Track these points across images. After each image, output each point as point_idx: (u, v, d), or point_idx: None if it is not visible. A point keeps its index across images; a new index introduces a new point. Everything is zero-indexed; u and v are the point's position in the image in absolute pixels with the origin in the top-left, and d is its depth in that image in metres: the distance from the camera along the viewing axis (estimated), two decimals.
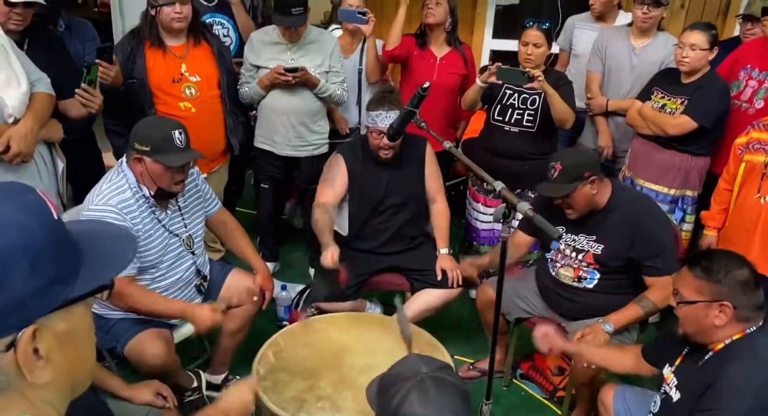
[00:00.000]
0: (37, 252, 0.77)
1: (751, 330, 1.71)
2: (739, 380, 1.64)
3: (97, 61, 2.53)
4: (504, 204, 1.56)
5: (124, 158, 2.24)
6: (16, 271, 0.75)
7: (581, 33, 3.64)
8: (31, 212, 0.79)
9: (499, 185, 1.58)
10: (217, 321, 2.28)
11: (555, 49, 3.55)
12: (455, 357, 2.94)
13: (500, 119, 3.10)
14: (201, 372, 2.55)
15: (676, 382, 1.84)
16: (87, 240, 0.86)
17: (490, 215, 3.26)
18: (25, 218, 0.78)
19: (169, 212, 2.31)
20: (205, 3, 3.36)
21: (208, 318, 2.24)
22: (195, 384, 2.49)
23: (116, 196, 2.15)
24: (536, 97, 3.01)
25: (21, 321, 0.77)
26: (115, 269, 0.87)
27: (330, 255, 2.51)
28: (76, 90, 2.45)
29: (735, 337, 1.72)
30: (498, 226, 3.18)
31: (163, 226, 2.27)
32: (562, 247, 2.49)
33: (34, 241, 0.77)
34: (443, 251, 2.83)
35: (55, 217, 0.83)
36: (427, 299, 2.76)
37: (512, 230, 3.00)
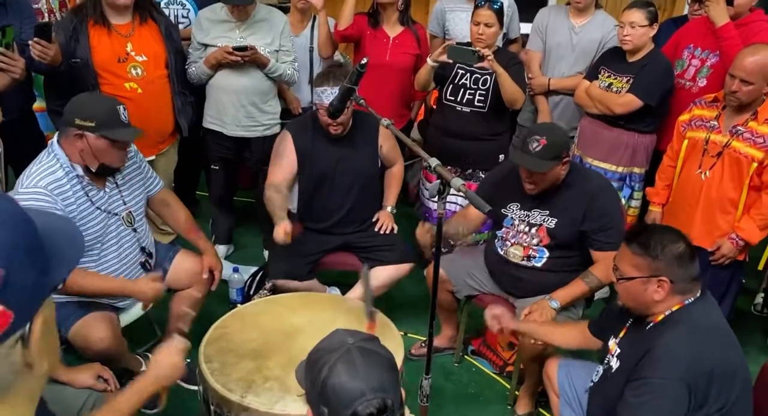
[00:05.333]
0: (29, 244, 0.78)
1: (689, 301, 1.76)
2: (673, 349, 1.68)
3: (35, 39, 2.45)
4: (438, 180, 1.57)
5: (54, 138, 2.18)
6: (22, 264, 0.76)
7: (454, 16, 3.45)
8: (9, 204, 0.80)
9: (434, 162, 1.59)
10: (158, 289, 2.24)
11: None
12: (408, 334, 2.97)
13: (452, 98, 3.10)
14: (150, 355, 2.52)
15: (618, 352, 1.89)
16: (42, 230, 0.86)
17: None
18: (6, 213, 0.79)
19: (107, 190, 2.26)
20: None
21: (148, 287, 2.22)
22: (143, 368, 2.47)
23: (47, 177, 2.09)
24: (488, 77, 3.01)
25: (30, 313, 0.79)
26: (74, 257, 0.88)
27: (282, 229, 2.51)
28: None
29: (674, 308, 1.76)
30: (453, 207, 3.21)
31: (98, 208, 2.22)
32: (516, 222, 2.51)
33: (23, 233, 0.78)
34: (388, 208, 2.93)
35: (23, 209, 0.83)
36: (378, 277, 2.76)
37: (448, 205, 3.04)
